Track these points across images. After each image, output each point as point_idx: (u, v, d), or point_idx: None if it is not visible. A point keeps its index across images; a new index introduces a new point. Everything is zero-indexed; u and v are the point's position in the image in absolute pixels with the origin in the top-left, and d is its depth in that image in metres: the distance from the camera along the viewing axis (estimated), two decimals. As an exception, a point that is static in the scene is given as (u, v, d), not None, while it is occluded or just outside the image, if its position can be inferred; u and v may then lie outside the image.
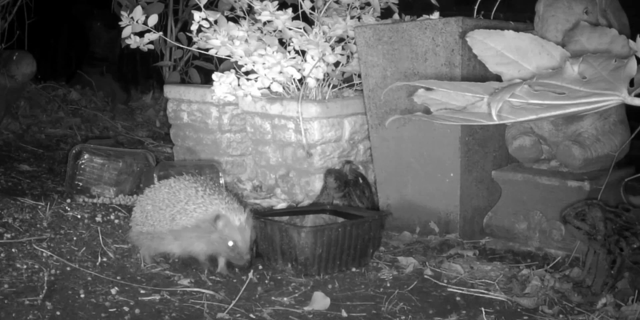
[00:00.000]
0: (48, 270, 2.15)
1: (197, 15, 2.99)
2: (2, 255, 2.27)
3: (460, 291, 2.13)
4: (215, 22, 3.02)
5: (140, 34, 3.12)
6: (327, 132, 2.97)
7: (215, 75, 3.04)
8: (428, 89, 1.19)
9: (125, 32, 3.07)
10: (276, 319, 1.90)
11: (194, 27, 3.03)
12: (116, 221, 2.73)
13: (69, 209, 2.80)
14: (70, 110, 5.09)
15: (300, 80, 3.05)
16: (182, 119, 3.47)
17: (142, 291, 2.04)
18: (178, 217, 2.11)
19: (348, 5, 3.19)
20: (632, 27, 2.56)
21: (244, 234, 2.08)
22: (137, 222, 2.25)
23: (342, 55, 3.08)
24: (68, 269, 2.20)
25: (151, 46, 3.19)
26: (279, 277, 2.21)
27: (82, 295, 1.98)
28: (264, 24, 3.12)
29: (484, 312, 1.94)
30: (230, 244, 2.08)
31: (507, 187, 2.58)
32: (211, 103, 3.28)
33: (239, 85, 3.01)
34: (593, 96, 1.10)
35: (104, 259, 2.30)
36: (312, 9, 3.16)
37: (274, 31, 3.11)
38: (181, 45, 3.83)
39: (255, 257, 2.26)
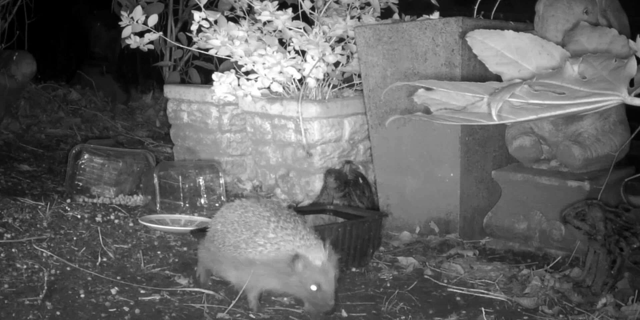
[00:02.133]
0: (48, 270, 2.15)
1: (197, 15, 2.99)
2: (2, 255, 2.27)
3: (460, 291, 2.13)
4: (215, 22, 3.03)
5: (140, 34, 3.12)
6: (327, 132, 2.97)
7: (215, 75, 3.04)
8: (428, 89, 1.18)
9: (125, 32, 3.07)
10: (276, 319, 1.90)
11: (194, 27, 3.03)
12: (116, 221, 2.73)
13: (69, 209, 2.81)
14: (70, 110, 5.10)
15: (300, 80, 3.05)
16: (182, 119, 3.47)
17: (142, 291, 2.04)
18: (243, 247, 1.88)
19: (348, 5, 3.19)
20: (632, 27, 2.56)
21: (327, 275, 1.80)
22: (208, 238, 2.05)
23: (342, 55, 3.08)
24: (68, 269, 2.20)
25: (151, 46, 3.19)
26: (279, 277, 2.21)
27: (82, 295, 1.98)
28: (264, 24, 3.12)
29: (484, 312, 1.94)
30: (314, 288, 1.79)
31: (507, 187, 2.58)
32: (211, 103, 3.28)
33: (239, 85, 3.01)
34: (593, 96, 1.10)
35: (104, 259, 2.30)
36: (312, 9, 3.16)
37: (274, 31, 3.11)
38: (181, 45, 3.83)
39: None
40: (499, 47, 1.11)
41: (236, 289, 1.96)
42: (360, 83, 3.10)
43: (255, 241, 1.86)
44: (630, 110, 2.34)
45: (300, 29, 3.05)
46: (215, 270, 2.06)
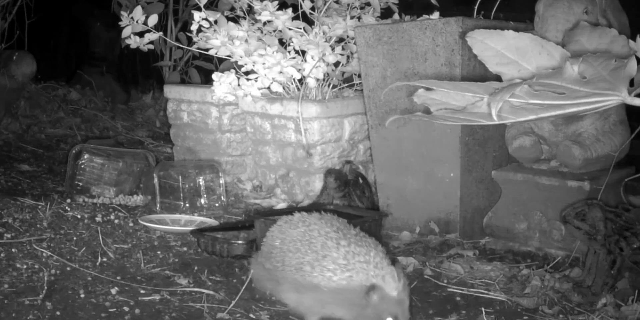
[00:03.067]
0: (48, 270, 2.15)
1: (197, 15, 2.99)
2: (2, 255, 2.27)
3: (460, 291, 2.13)
4: (215, 22, 3.03)
5: (140, 34, 3.12)
6: (327, 132, 2.97)
7: (215, 75, 3.04)
8: (428, 89, 1.18)
9: (125, 32, 3.07)
10: (276, 319, 1.90)
11: (194, 27, 3.03)
12: (116, 221, 2.73)
13: (69, 209, 2.81)
14: (70, 110, 5.10)
15: (300, 80, 3.05)
16: (182, 119, 3.47)
17: (142, 291, 2.04)
18: (307, 270, 1.74)
19: (348, 5, 3.19)
20: (632, 27, 2.56)
21: (403, 306, 1.68)
22: (262, 254, 1.92)
23: (342, 55, 3.08)
24: (68, 269, 2.20)
25: (151, 46, 3.19)
26: (279, 277, 2.21)
27: (82, 295, 1.98)
28: (264, 24, 3.12)
29: (484, 312, 1.94)
30: (389, 319, 1.67)
31: (507, 187, 2.58)
32: (211, 103, 3.28)
33: (239, 85, 3.01)
34: (593, 96, 1.10)
35: (104, 259, 2.30)
36: (312, 9, 3.16)
37: (274, 31, 3.12)
38: (181, 45, 3.83)
39: None
40: (499, 47, 1.11)
41: (292, 312, 1.87)
42: (360, 83, 3.10)
43: (324, 265, 1.72)
44: (630, 110, 2.34)
45: (300, 29, 3.05)
46: (271, 290, 1.92)
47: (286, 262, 1.79)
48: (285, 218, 1.92)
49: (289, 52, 3.00)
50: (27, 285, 2.04)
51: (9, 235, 2.45)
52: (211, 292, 2.04)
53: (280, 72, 2.96)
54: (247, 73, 3.02)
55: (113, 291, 2.02)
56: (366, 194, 2.81)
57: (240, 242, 2.38)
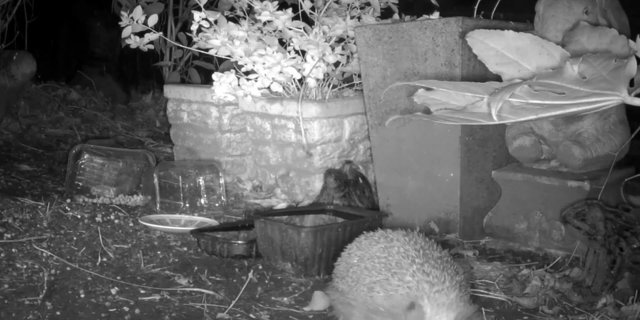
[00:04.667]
0: (48, 270, 2.15)
1: (197, 15, 2.99)
2: (2, 255, 2.27)
3: (460, 291, 2.13)
4: (215, 22, 3.02)
5: (140, 34, 3.12)
6: (327, 132, 2.97)
7: (215, 75, 3.04)
8: (428, 89, 1.18)
9: (125, 32, 3.07)
10: (276, 319, 1.90)
11: (194, 27, 3.03)
12: (116, 221, 2.73)
13: (69, 209, 2.81)
14: (70, 110, 5.10)
15: (300, 80, 3.05)
16: (182, 119, 3.47)
17: (142, 291, 2.04)
18: (377, 290, 1.55)
19: (348, 5, 3.19)
20: (632, 27, 2.56)
21: None
22: (338, 273, 1.73)
23: (342, 55, 3.08)
24: (68, 269, 2.20)
25: (151, 46, 3.19)
26: (279, 277, 2.21)
27: (82, 295, 1.98)
28: (264, 24, 3.12)
29: (484, 312, 1.93)
30: None
31: (507, 187, 2.58)
32: (211, 103, 3.28)
33: (239, 85, 3.01)
34: (593, 96, 1.10)
35: (104, 259, 2.31)
36: (312, 9, 3.16)
37: (274, 31, 3.12)
38: (181, 45, 3.83)
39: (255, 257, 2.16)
40: (499, 47, 1.11)
41: None
42: (360, 83, 3.10)
43: (390, 283, 1.55)
44: (630, 110, 2.34)
45: (300, 29, 3.05)
46: (343, 314, 1.70)
47: (360, 280, 1.62)
48: (367, 234, 1.75)
49: (289, 52, 3.00)
50: (27, 285, 2.04)
51: (9, 235, 2.45)
52: (211, 292, 2.04)
53: (280, 72, 2.96)
54: (247, 73, 3.02)
55: (113, 291, 2.02)
56: (366, 194, 2.81)
57: (240, 242, 2.39)
